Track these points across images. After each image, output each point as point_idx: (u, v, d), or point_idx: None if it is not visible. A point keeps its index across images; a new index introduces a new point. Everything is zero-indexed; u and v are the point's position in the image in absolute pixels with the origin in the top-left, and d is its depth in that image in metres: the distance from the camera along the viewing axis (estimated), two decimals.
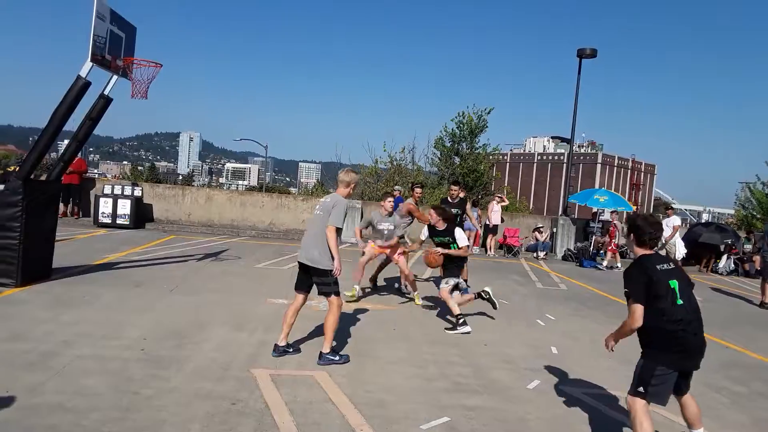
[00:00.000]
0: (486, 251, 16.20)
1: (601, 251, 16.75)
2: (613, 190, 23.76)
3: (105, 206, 14.67)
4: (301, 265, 5.34)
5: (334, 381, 4.74)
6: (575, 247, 16.50)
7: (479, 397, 4.69)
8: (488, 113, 26.50)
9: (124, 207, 14.75)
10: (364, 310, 7.52)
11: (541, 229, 17.21)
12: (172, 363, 4.85)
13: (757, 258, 14.92)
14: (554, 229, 17.30)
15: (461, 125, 26.45)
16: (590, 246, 16.23)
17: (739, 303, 11.24)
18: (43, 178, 9.32)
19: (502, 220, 16.62)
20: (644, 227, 3.80)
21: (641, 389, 3.64)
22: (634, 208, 26.85)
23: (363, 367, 5.21)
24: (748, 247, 17.15)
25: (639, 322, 3.59)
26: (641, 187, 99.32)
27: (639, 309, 3.59)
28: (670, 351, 3.61)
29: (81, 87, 7.34)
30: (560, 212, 19.40)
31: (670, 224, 15.17)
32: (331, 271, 5.16)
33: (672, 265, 3.72)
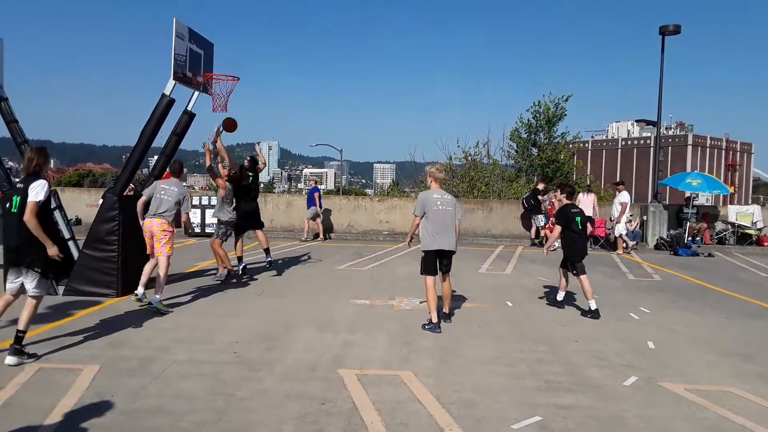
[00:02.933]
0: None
1: (698, 238, 15.76)
2: (706, 173, 22.35)
3: (194, 217, 15.41)
4: (442, 252, 6.39)
5: (420, 381, 4.70)
6: (668, 235, 15.61)
7: (572, 396, 4.50)
8: (566, 101, 25.57)
9: (211, 217, 15.41)
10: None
11: (630, 217, 16.41)
12: (263, 365, 4.99)
13: None
14: (644, 217, 16.44)
15: (537, 115, 25.69)
16: (685, 233, 15.30)
17: None
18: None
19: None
20: (569, 190, 7.67)
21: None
22: (731, 190, 25.10)
23: (450, 366, 5.14)
24: None
25: (557, 234, 7.45)
26: (737, 167, 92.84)
27: (559, 229, 7.42)
28: (574, 253, 7.29)
29: (166, 104, 7.72)
30: (650, 198, 18.43)
31: (618, 201, 14.47)
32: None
33: (579, 209, 7.56)
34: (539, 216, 15.64)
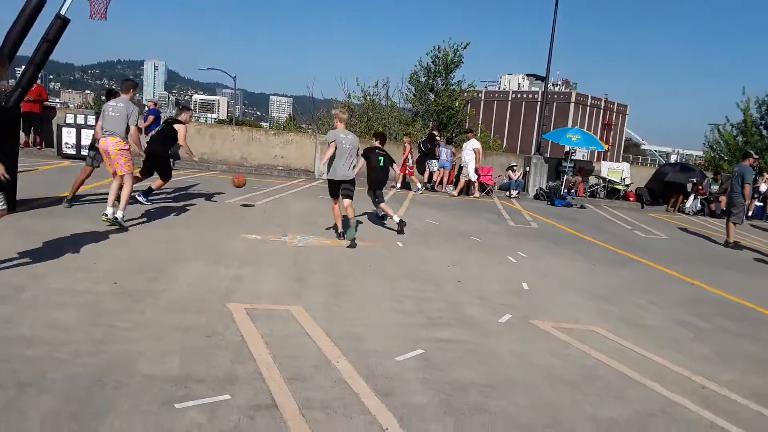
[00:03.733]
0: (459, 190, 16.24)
1: (572, 190, 16.97)
2: (585, 129, 23.86)
3: (68, 136, 14.16)
4: (343, 181, 7.75)
5: (310, 316, 4.76)
6: (547, 186, 16.67)
7: (452, 331, 4.78)
8: (464, 48, 25.91)
9: (89, 137, 14.14)
10: (341, 247, 7.52)
11: (515, 168, 17.29)
12: (146, 296, 4.80)
13: (723, 198, 15.31)
14: (527, 168, 17.39)
15: (437, 60, 25.87)
16: (562, 185, 16.41)
17: (705, 242, 11.60)
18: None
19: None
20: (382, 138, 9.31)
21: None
22: (606, 147, 27.07)
23: (341, 302, 5.24)
24: (715, 188, 17.56)
25: (361, 165, 8.35)
26: (613, 127, 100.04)
27: (363, 160, 8.69)
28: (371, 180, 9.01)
29: (35, 6, 6.91)
30: (533, 151, 19.47)
31: (470, 147, 15.65)
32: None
33: (384, 151, 9.04)
34: (432, 161, 16.06)
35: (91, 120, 14.55)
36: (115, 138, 7.05)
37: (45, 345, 3.71)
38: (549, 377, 4.03)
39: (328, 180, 7.88)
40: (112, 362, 3.57)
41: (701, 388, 4.13)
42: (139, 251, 6.24)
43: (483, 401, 3.58)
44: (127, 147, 7.16)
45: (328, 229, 8.35)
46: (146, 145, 9.04)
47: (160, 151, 9.11)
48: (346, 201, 7.76)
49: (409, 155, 15.73)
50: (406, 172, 15.57)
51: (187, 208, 9.23)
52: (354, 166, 7.80)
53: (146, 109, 15.99)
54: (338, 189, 7.78)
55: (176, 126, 9.15)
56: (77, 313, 4.29)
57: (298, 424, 3.10)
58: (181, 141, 9.10)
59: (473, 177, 15.47)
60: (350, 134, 7.81)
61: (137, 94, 10.46)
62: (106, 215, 7.08)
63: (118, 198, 7.18)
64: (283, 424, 3.09)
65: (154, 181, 9.30)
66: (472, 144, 15.69)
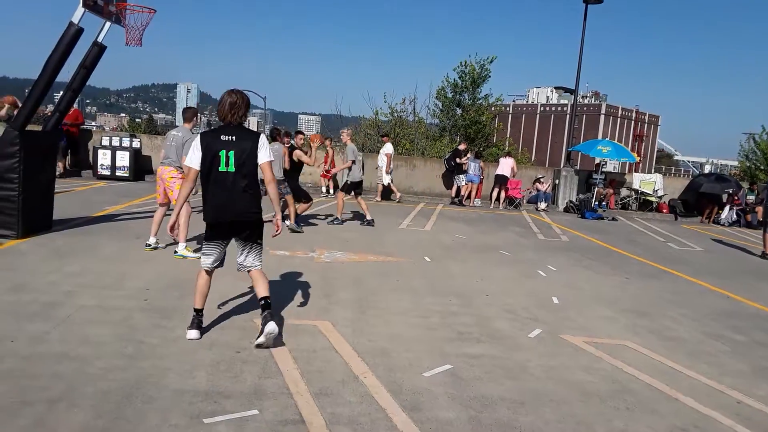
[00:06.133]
0: (491, 203, 16.14)
1: (603, 202, 16.72)
2: (616, 141, 23.53)
3: (104, 158, 14.57)
4: (359, 183, 10.73)
5: (337, 330, 4.76)
6: (577, 199, 16.45)
7: (481, 346, 4.72)
8: (491, 62, 25.89)
9: (123, 159, 14.64)
10: (368, 262, 7.53)
11: (542, 180, 17.13)
12: (175, 313, 4.87)
13: (759, 209, 14.87)
14: (556, 181, 17.20)
15: (463, 75, 25.90)
16: (592, 197, 16.18)
17: (741, 254, 11.27)
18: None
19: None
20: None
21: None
22: (638, 159, 26.65)
23: (367, 317, 5.24)
24: (751, 198, 17.09)
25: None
26: (644, 138, 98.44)
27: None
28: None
29: (74, 34, 7.13)
30: (562, 164, 19.26)
31: (383, 152, 15.25)
32: None
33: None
34: (460, 176, 16.02)
35: (126, 142, 14.98)
36: (169, 167, 7.08)
37: (76, 360, 3.78)
38: (580, 392, 3.95)
39: (358, 182, 10.53)
40: (141, 377, 3.62)
41: (737, 403, 3.99)
42: (168, 269, 6.35)
43: (512, 417, 3.51)
44: (180, 176, 7.04)
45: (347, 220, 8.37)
46: None
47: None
48: (360, 197, 10.60)
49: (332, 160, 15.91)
50: (327, 176, 15.94)
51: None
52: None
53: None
54: (359, 187, 10.57)
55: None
56: (108, 330, 4.38)
57: None
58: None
59: (386, 181, 15.34)
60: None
61: (205, 115, 10.82)
62: (149, 244, 7.17)
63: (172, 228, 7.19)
64: None
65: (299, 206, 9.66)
66: (386, 149, 15.37)
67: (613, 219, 15.32)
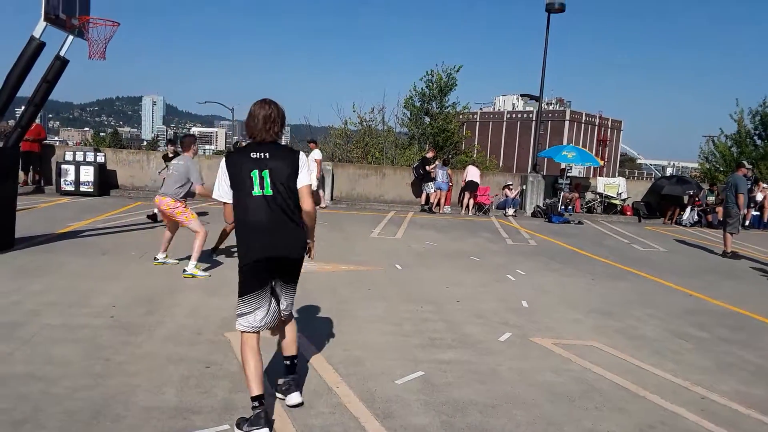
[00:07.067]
0: (461, 210, 16.29)
1: (569, 206, 17.02)
2: (581, 146, 24.01)
3: (67, 174, 14.26)
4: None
5: (309, 342, 4.75)
6: (544, 203, 16.72)
7: (453, 351, 4.77)
8: (457, 71, 26.17)
9: (87, 174, 14.35)
10: (340, 271, 7.53)
11: (511, 186, 17.37)
12: (143, 329, 4.80)
13: (720, 209, 15.33)
14: (524, 186, 17.46)
15: (430, 84, 26.14)
16: (558, 202, 16.47)
17: (703, 253, 11.59)
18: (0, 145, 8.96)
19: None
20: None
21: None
22: (602, 163, 27.22)
23: (340, 326, 5.24)
24: (712, 199, 17.60)
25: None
26: (608, 142, 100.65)
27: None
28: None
29: (35, 48, 7.03)
30: (529, 169, 19.56)
31: (312, 158, 15.04)
32: None
33: None
34: (429, 183, 16.15)
35: (90, 156, 14.70)
36: (165, 198, 6.96)
37: (42, 381, 3.70)
38: (549, 394, 4.02)
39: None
40: (110, 396, 3.56)
41: (701, 398, 4.11)
42: (135, 284, 6.25)
43: (484, 420, 3.56)
44: (178, 205, 6.98)
45: None
46: None
47: None
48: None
49: None
50: None
51: (183, 239, 9.25)
52: None
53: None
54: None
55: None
56: (74, 348, 4.29)
57: None
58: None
59: (315, 187, 15.39)
60: None
61: (171, 127, 10.57)
62: (157, 259, 7.24)
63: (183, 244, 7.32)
64: None
65: None
66: (314, 155, 15.29)
67: (579, 222, 15.60)
